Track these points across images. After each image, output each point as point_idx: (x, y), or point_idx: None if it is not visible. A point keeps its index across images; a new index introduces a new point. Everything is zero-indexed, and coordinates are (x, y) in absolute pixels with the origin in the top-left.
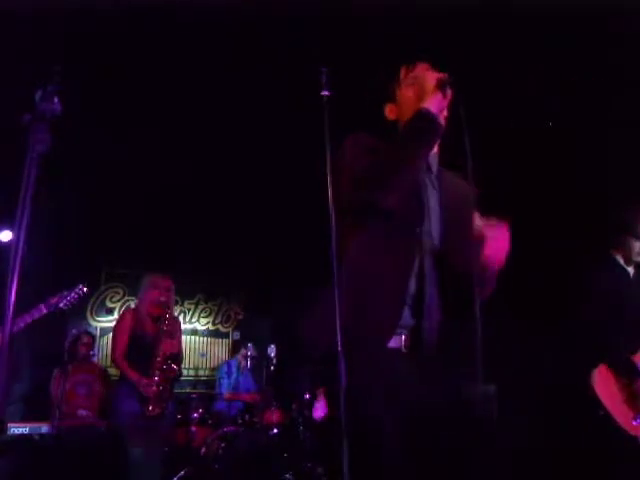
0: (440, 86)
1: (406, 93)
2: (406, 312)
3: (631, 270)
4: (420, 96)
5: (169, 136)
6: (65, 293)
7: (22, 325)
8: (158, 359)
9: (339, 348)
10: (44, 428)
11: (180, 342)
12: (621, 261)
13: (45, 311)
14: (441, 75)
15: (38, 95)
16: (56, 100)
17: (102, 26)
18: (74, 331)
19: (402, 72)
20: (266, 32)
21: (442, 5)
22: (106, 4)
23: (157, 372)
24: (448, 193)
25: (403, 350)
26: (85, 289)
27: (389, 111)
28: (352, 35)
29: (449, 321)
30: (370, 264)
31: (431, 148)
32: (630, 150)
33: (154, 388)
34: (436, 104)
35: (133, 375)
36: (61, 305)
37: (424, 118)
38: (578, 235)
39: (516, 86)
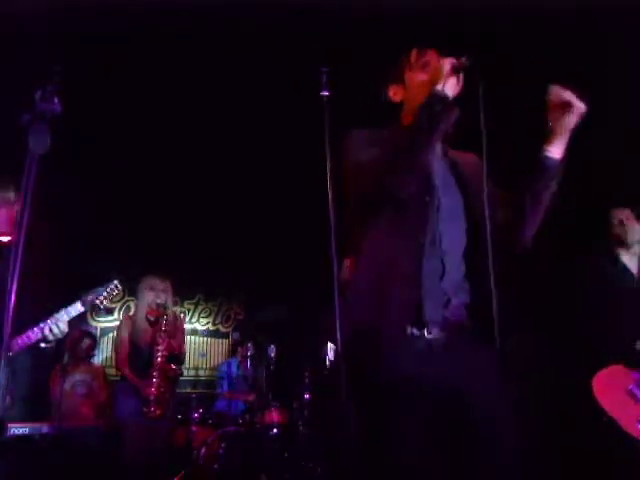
0: (455, 70)
1: (417, 76)
2: (426, 294)
3: (635, 268)
4: (433, 80)
5: (170, 136)
6: (100, 289)
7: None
8: (158, 360)
9: (339, 346)
10: (44, 428)
11: (183, 341)
12: (625, 258)
13: (82, 309)
14: (455, 60)
15: (38, 95)
16: (56, 100)
17: (102, 23)
18: (75, 332)
19: (413, 55)
20: (266, 32)
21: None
22: (105, 2)
23: (156, 373)
24: (460, 168)
25: (426, 335)
26: (119, 286)
27: (394, 93)
28: (352, 35)
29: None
30: (386, 249)
31: (446, 130)
32: (633, 147)
33: (154, 389)
34: (451, 88)
35: (134, 380)
36: (97, 302)
37: (441, 100)
38: (581, 235)
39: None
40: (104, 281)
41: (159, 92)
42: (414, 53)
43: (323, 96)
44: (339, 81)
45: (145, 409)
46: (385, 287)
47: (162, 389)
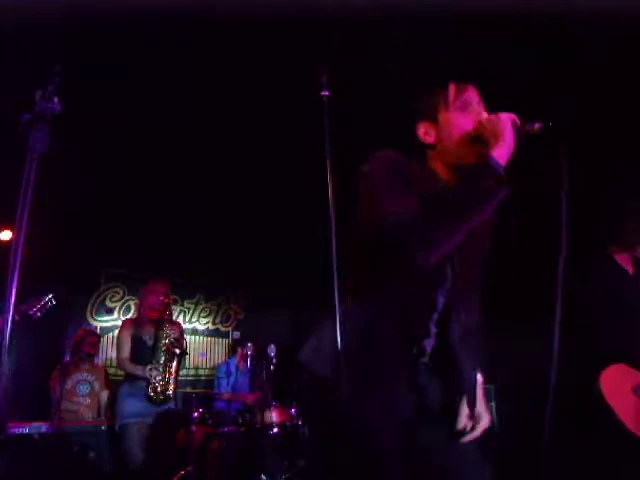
0: (518, 131)
1: (456, 119)
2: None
3: (630, 269)
4: (484, 133)
5: (169, 136)
6: (35, 301)
7: None
8: (163, 342)
9: (339, 349)
10: (44, 428)
11: (182, 333)
12: (621, 261)
13: (17, 318)
14: (516, 118)
15: (38, 95)
16: (56, 100)
17: (102, 24)
18: (80, 330)
19: (451, 91)
20: (265, 31)
21: (447, 6)
22: (105, 2)
23: (163, 353)
24: None
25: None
26: (54, 301)
27: (425, 132)
28: (353, 34)
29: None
30: (395, 294)
31: (492, 210)
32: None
33: (159, 369)
34: (507, 154)
35: (138, 370)
36: (31, 313)
37: (494, 175)
38: (578, 236)
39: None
40: (40, 294)
41: (159, 91)
42: (452, 88)
43: (323, 96)
44: (340, 81)
45: (151, 391)
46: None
47: (167, 366)
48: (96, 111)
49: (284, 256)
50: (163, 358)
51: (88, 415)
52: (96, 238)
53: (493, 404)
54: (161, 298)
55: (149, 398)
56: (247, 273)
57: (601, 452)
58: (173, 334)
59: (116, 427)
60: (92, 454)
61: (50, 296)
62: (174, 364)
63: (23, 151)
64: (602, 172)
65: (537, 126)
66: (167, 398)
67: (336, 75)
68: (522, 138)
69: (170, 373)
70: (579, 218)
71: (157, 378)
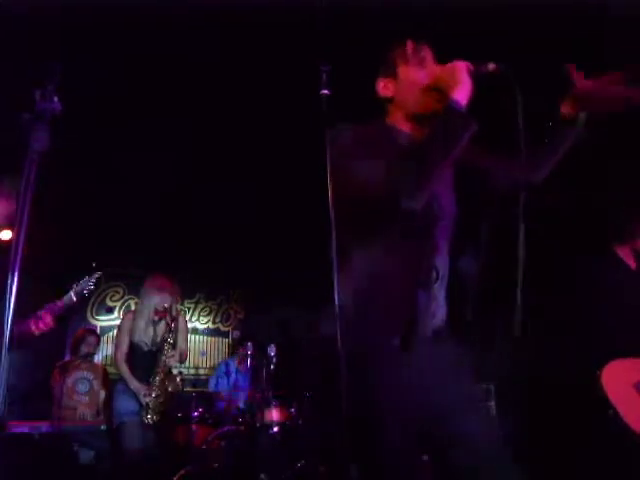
0: (473, 75)
1: (414, 73)
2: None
3: (632, 263)
4: (443, 83)
5: (169, 135)
6: (87, 280)
7: (57, 313)
8: (158, 370)
9: (339, 345)
10: (44, 428)
11: (186, 346)
12: (623, 255)
13: (75, 299)
14: (469, 64)
15: (38, 94)
16: (56, 99)
17: (101, 22)
18: (80, 330)
19: (409, 48)
20: (265, 30)
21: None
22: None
23: (158, 384)
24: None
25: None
26: (102, 277)
27: (384, 87)
28: (354, 32)
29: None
30: (382, 264)
31: (463, 146)
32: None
33: (153, 396)
34: (466, 96)
35: (132, 382)
36: (85, 292)
37: (458, 114)
38: (579, 232)
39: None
40: (89, 272)
41: (159, 89)
42: (410, 45)
43: (323, 95)
44: (340, 80)
45: (143, 414)
46: (378, 303)
47: (161, 400)
48: (97, 109)
49: (284, 255)
50: (157, 387)
51: (87, 413)
52: (96, 237)
53: (493, 404)
54: (165, 303)
55: (143, 418)
56: (247, 273)
57: (603, 449)
58: (170, 365)
59: (114, 426)
60: (92, 454)
61: (100, 273)
62: (167, 396)
63: (23, 151)
64: (599, 166)
65: (491, 67)
66: (159, 422)
67: (337, 73)
68: (477, 81)
69: (160, 402)
70: (579, 214)
71: (150, 404)
